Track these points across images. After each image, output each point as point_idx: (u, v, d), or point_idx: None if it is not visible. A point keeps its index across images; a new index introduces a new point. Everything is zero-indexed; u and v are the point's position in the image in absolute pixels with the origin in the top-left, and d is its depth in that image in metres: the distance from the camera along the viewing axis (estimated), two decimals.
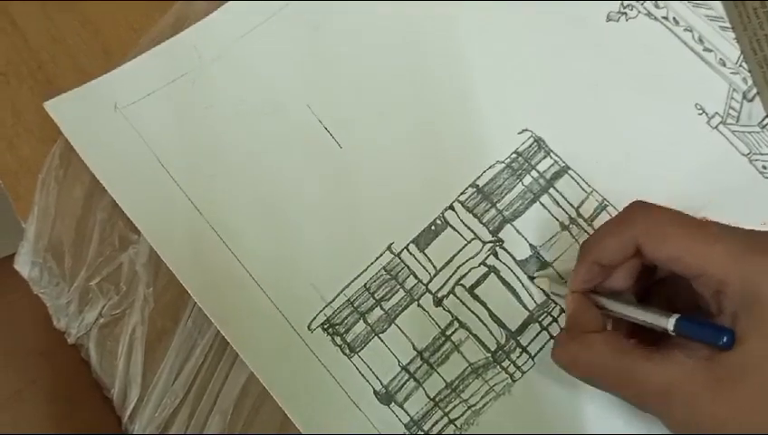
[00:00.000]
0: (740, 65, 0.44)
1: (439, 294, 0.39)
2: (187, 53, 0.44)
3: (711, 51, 0.44)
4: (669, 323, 0.31)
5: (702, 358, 0.30)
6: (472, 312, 0.39)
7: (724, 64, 0.44)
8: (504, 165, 0.42)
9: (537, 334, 0.39)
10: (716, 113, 0.43)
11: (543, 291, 0.39)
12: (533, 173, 0.42)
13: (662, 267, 0.33)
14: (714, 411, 0.29)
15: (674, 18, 0.45)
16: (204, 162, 0.42)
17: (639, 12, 0.45)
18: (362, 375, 0.38)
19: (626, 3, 0.45)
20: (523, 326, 0.39)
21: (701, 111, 0.43)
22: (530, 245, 0.40)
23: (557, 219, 0.41)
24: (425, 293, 0.39)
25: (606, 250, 0.34)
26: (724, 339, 0.29)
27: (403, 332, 0.39)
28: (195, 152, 0.42)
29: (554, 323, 0.39)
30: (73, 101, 0.43)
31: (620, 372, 0.31)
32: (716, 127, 0.43)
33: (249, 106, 0.43)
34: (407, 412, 0.37)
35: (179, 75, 0.43)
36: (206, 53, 0.44)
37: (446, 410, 0.37)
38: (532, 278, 0.40)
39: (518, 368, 0.38)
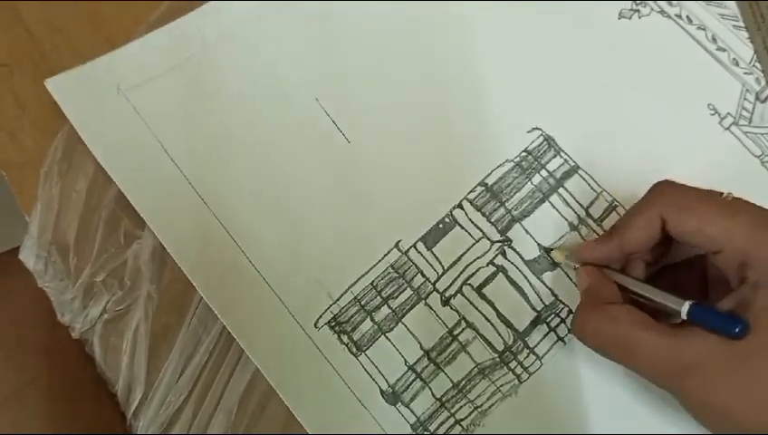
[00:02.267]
0: (753, 65, 0.43)
1: (447, 294, 0.39)
2: (191, 36, 0.43)
3: (724, 50, 0.44)
4: (683, 310, 0.31)
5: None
6: (479, 312, 0.39)
7: (737, 64, 0.43)
8: (513, 164, 0.41)
9: (545, 335, 0.38)
10: (729, 114, 0.42)
11: (551, 291, 0.39)
12: (543, 172, 0.41)
13: (684, 242, 0.33)
14: (734, 391, 0.29)
15: (687, 17, 0.44)
16: (209, 152, 0.41)
17: (652, 9, 0.44)
18: (369, 374, 0.38)
19: (638, 1, 0.45)
20: (531, 327, 0.39)
21: (713, 112, 0.42)
22: (538, 244, 0.40)
23: (566, 219, 0.41)
24: (432, 292, 0.39)
25: (633, 233, 0.34)
26: (737, 329, 0.29)
27: (410, 331, 0.38)
28: (199, 140, 0.41)
29: (562, 325, 0.38)
30: (75, 80, 0.42)
31: (643, 346, 0.31)
32: (728, 128, 0.42)
33: (256, 96, 0.42)
34: (413, 412, 0.37)
35: (184, 59, 0.43)
36: (210, 38, 0.43)
37: (453, 410, 0.37)
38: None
39: (525, 369, 0.38)
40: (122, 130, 0.41)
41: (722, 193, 0.33)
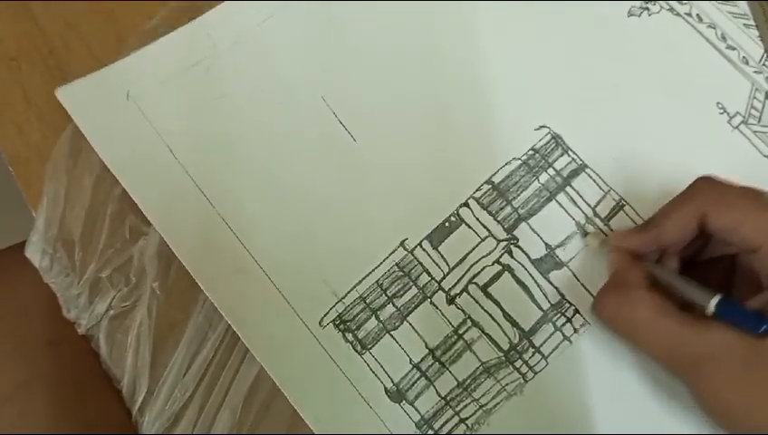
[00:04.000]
0: (763, 64, 0.43)
1: (452, 292, 0.39)
2: (201, 41, 0.43)
3: (734, 49, 0.43)
4: (711, 304, 0.32)
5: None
6: (485, 310, 0.39)
7: (747, 63, 0.43)
8: (520, 162, 0.41)
9: (551, 335, 0.38)
10: (738, 113, 0.42)
11: (557, 290, 0.39)
12: (550, 171, 0.41)
13: (720, 239, 0.33)
14: (745, 389, 0.29)
15: (697, 15, 0.44)
16: (216, 154, 0.41)
17: (662, 7, 0.44)
18: (373, 373, 0.37)
19: None
20: (537, 326, 0.38)
21: (722, 111, 0.42)
22: (545, 244, 0.40)
23: (573, 218, 0.40)
24: (437, 290, 0.39)
25: (671, 226, 0.34)
26: (762, 328, 0.29)
27: (415, 329, 0.38)
28: (207, 143, 0.41)
29: (568, 324, 0.38)
30: (85, 88, 0.42)
31: (660, 332, 0.32)
32: (737, 127, 0.42)
33: (263, 96, 0.42)
34: (417, 411, 0.37)
35: (193, 63, 0.43)
36: (220, 42, 0.43)
37: (457, 409, 0.37)
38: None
39: (530, 368, 0.38)
40: (132, 135, 0.41)
41: (764, 192, 0.33)
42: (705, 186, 0.34)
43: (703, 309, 0.32)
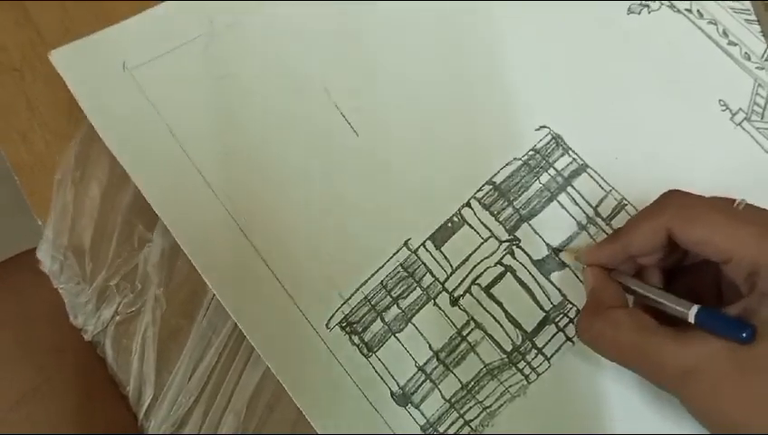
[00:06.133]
0: (765, 60, 0.43)
1: (455, 294, 0.39)
2: (196, 16, 0.43)
3: (736, 44, 0.43)
4: (690, 314, 0.31)
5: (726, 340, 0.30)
6: (488, 312, 0.39)
7: (749, 59, 0.43)
8: (521, 162, 0.41)
9: (553, 336, 0.38)
10: (740, 109, 0.42)
11: (559, 290, 0.39)
12: (551, 171, 0.41)
13: (693, 252, 0.33)
14: (735, 399, 0.29)
15: (698, 11, 0.44)
16: (216, 137, 0.41)
17: (662, 4, 0.44)
18: (379, 376, 0.38)
19: None
20: (539, 327, 0.38)
21: (725, 108, 0.42)
22: (547, 244, 0.40)
23: (575, 218, 0.40)
24: (441, 291, 0.39)
25: (637, 237, 0.34)
26: (744, 334, 0.29)
27: (420, 331, 0.38)
28: (207, 124, 0.41)
29: (571, 325, 0.38)
30: (81, 52, 0.41)
31: (646, 350, 0.31)
32: (740, 124, 0.42)
33: (264, 84, 0.42)
34: (423, 414, 0.37)
35: (191, 38, 0.42)
36: (217, 18, 0.43)
37: (462, 411, 0.37)
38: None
39: (533, 370, 0.38)
40: (128, 110, 0.41)
41: (734, 200, 0.32)
42: (673, 200, 0.34)
43: (686, 319, 0.32)
